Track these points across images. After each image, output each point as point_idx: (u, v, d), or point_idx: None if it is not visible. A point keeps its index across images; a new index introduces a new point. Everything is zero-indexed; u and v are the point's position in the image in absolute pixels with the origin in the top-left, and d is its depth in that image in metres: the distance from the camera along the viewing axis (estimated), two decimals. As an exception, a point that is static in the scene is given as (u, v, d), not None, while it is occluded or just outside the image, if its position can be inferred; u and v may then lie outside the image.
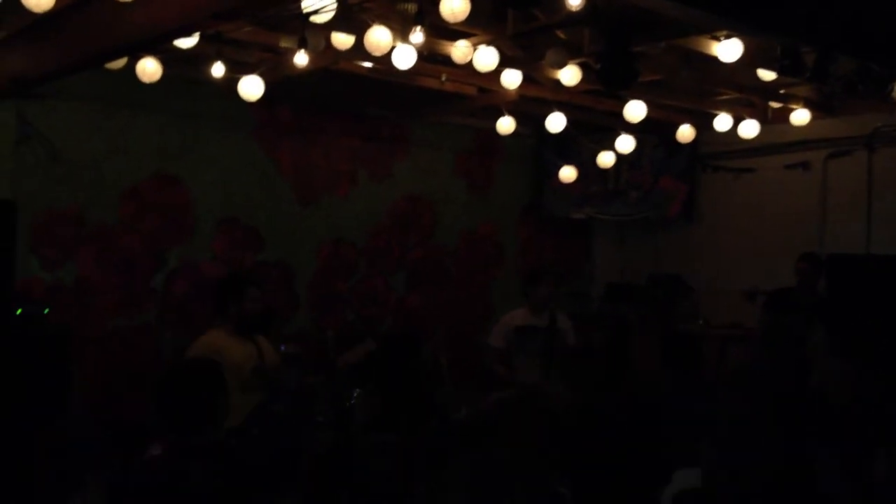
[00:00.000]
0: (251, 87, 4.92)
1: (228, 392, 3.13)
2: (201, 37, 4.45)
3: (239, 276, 5.62)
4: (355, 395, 4.93)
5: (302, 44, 4.12)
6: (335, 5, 3.80)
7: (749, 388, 2.86)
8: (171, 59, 4.89)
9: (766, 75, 5.42)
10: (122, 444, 4.61)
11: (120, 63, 4.93)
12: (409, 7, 4.27)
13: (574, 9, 3.22)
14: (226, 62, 4.83)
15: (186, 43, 4.41)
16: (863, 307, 5.91)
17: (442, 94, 6.13)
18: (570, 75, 5.22)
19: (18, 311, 4.26)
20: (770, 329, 5.76)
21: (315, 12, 3.84)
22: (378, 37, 4.30)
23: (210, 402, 3.04)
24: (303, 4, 3.78)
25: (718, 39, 4.72)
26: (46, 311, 4.55)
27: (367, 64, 5.25)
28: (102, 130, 5.87)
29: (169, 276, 6.18)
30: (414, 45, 4.19)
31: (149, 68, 4.84)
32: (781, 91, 6.19)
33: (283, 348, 5.11)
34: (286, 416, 4.28)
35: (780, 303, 5.90)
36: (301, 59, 4.34)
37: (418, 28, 3.85)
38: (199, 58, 4.92)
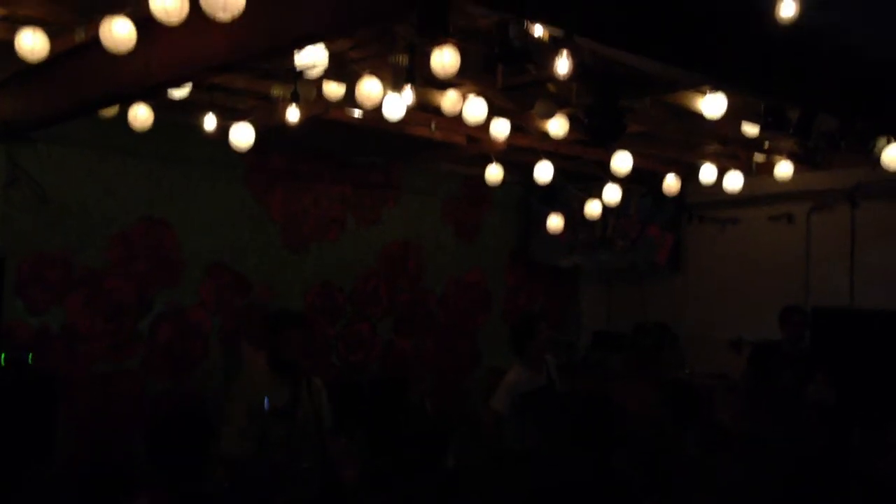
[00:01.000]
0: (242, 135, 4.96)
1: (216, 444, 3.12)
2: (194, 85, 4.50)
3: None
4: (342, 442, 4.88)
5: (294, 98, 4.17)
6: (327, 62, 3.85)
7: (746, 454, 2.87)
8: (162, 105, 4.93)
9: (751, 129, 5.51)
10: (107, 489, 4.57)
11: (112, 110, 4.97)
12: (401, 59, 4.33)
13: (562, 77, 3.28)
14: (217, 109, 4.88)
15: (179, 93, 4.45)
16: (847, 360, 5.96)
17: (431, 141, 6.19)
18: (557, 126, 5.29)
19: (2, 357, 4.23)
20: (758, 384, 5.76)
21: (308, 68, 3.88)
22: (370, 88, 4.36)
23: (199, 454, 3.02)
24: (296, 62, 3.83)
25: (704, 94, 4.80)
26: (30, 357, 4.51)
27: (358, 113, 5.31)
28: (92, 174, 5.88)
29: (154, 321, 6.15)
30: (405, 100, 4.25)
31: (140, 115, 4.87)
32: (765, 144, 6.28)
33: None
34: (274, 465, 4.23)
35: (767, 356, 5.92)
36: (293, 114, 4.39)
37: (408, 86, 3.90)
38: (191, 104, 4.96)
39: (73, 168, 5.81)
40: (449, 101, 4.83)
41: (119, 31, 3.50)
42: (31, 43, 3.76)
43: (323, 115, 5.25)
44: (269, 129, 5.26)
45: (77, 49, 4.15)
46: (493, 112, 5.09)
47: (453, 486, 3.76)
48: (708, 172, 6.50)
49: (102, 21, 3.49)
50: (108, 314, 5.90)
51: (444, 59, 3.91)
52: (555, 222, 7.34)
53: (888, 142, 5.13)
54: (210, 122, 4.82)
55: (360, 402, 6.63)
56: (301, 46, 3.68)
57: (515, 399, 5.27)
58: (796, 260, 7.22)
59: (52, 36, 3.86)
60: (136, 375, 6.02)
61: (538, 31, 3.60)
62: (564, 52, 3.21)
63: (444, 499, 3.59)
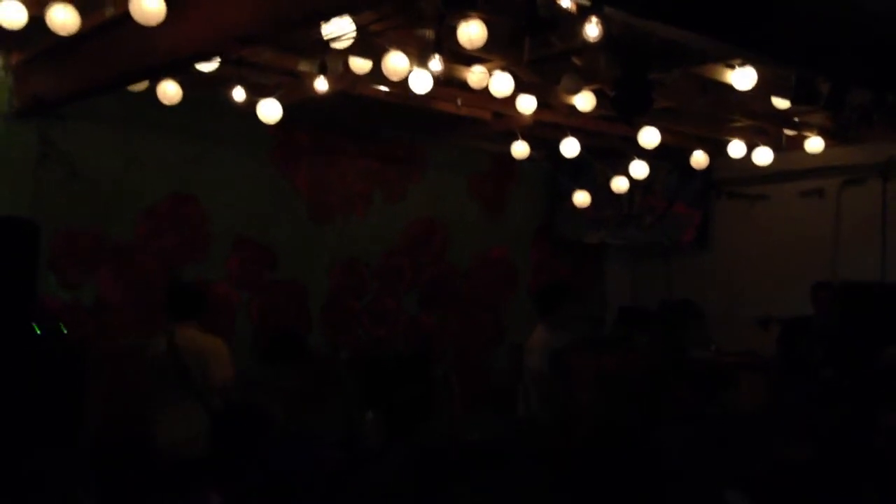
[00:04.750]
0: (270, 110, 4.98)
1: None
2: (222, 61, 4.52)
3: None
4: (367, 416, 4.93)
5: (322, 70, 4.17)
6: (354, 32, 3.85)
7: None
8: (190, 80, 4.96)
9: (781, 103, 5.44)
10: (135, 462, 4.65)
11: (141, 86, 5.00)
12: (427, 33, 4.32)
13: (591, 40, 3.25)
14: (244, 84, 4.90)
15: (207, 67, 4.48)
16: (876, 336, 5.89)
17: (457, 117, 6.18)
18: (584, 101, 5.26)
19: (38, 330, 4.30)
20: (790, 359, 5.72)
21: (335, 39, 3.88)
22: (396, 62, 4.36)
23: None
24: (323, 32, 3.83)
25: (733, 67, 4.75)
26: (63, 329, 4.58)
27: (384, 88, 5.31)
28: (121, 150, 5.93)
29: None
30: (432, 72, 4.24)
31: (169, 91, 4.92)
32: (796, 119, 6.21)
33: None
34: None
35: (798, 333, 5.87)
36: (321, 84, 4.40)
37: (436, 56, 3.89)
38: (219, 80, 4.98)
39: (102, 143, 5.86)
40: (475, 75, 4.82)
41: (149, 5, 3.53)
42: (63, 17, 3.80)
43: (349, 90, 5.26)
44: (296, 105, 5.28)
45: (107, 24, 4.19)
46: (520, 87, 5.07)
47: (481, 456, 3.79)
48: (737, 148, 6.45)
49: (132, -6, 3.51)
50: (137, 288, 5.98)
51: (471, 32, 3.90)
52: (581, 198, 7.32)
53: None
54: (238, 94, 4.84)
55: (384, 376, 6.68)
56: (328, 17, 3.68)
57: (552, 357, 5.27)
58: (826, 236, 7.14)
59: (83, 11, 3.90)
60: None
61: (566, 1, 3.58)
62: (593, 19, 3.18)
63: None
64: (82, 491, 4.28)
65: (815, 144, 6.34)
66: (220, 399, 4.75)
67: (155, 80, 4.87)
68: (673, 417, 4.15)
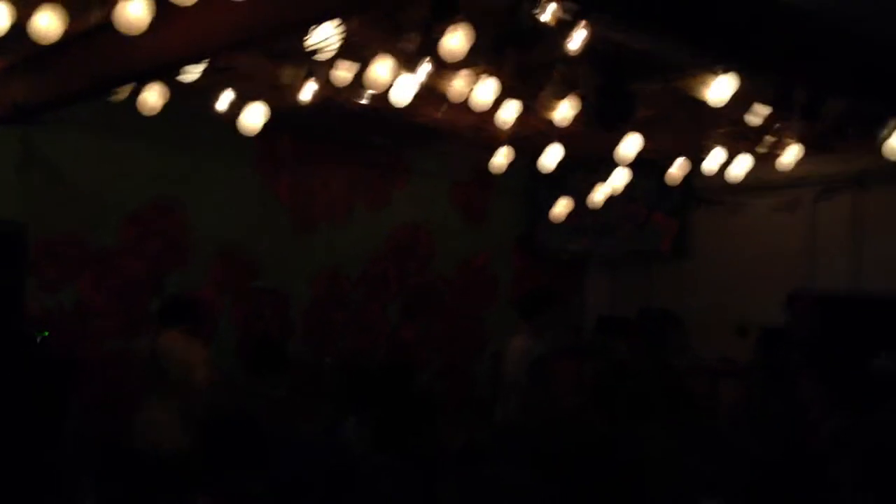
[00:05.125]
0: (253, 118, 5.01)
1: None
2: (205, 68, 4.54)
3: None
4: (352, 423, 4.94)
5: (308, 77, 4.20)
6: (339, 42, 3.89)
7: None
8: (173, 88, 4.96)
9: (759, 114, 5.53)
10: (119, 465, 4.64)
11: (123, 93, 5.00)
12: (410, 43, 4.36)
13: (573, 52, 3.31)
14: (228, 93, 4.92)
15: (190, 77, 4.49)
16: (853, 346, 5.98)
17: (440, 125, 6.22)
18: (565, 110, 5.32)
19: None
20: (767, 367, 5.78)
21: (319, 48, 3.92)
22: (379, 71, 4.40)
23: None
24: (308, 41, 3.87)
25: (713, 78, 4.81)
26: (46, 334, 4.58)
27: (367, 97, 5.33)
28: (105, 156, 5.94)
29: (165, 300, 6.21)
30: (419, 78, 4.27)
31: (150, 98, 4.91)
32: (773, 129, 6.29)
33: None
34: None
35: (774, 341, 5.94)
36: (305, 92, 4.43)
37: (424, 63, 3.93)
38: (202, 88, 5.00)
39: (86, 150, 5.87)
40: (458, 84, 4.87)
41: (133, 12, 3.54)
42: (46, 24, 3.80)
43: (333, 98, 5.29)
44: (279, 113, 5.30)
45: (91, 30, 4.19)
46: (502, 96, 5.12)
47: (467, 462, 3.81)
48: (715, 158, 6.52)
49: (117, 2, 3.53)
50: (119, 293, 5.97)
51: (455, 41, 3.94)
52: (561, 207, 7.37)
53: (892, 132, 5.14)
54: (223, 101, 4.86)
55: (369, 383, 6.69)
56: (313, 25, 3.72)
57: (532, 364, 5.25)
58: (802, 245, 7.25)
59: (66, 18, 3.90)
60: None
61: (547, 14, 3.63)
62: (576, 28, 3.24)
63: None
64: (80, 493, 4.28)
65: (791, 155, 6.43)
66: (200, 402, 4.80)
67: (138, 86, 4.87)
68: (652, 424, 4.20)
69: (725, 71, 4.62)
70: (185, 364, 4.95)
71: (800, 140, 6.20)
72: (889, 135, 5.12)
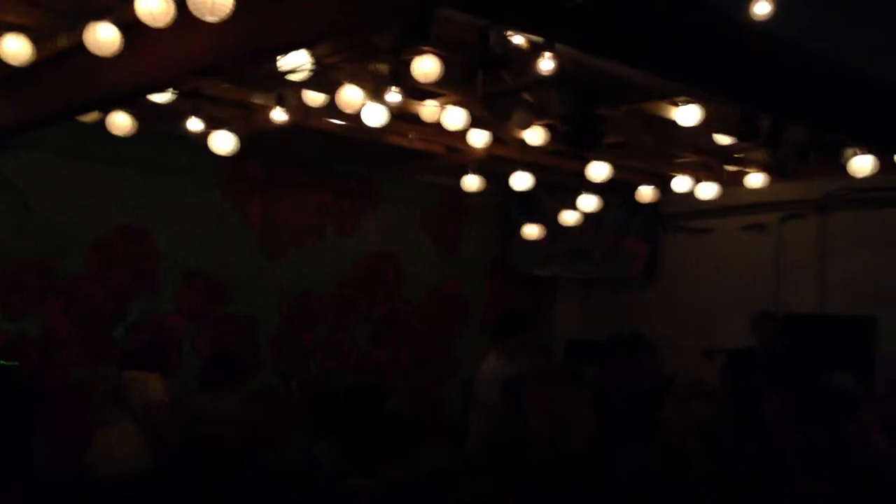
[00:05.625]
0: (223, 142, 5.00)
1: None
2: (176, 92, 4.53)
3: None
4: (322, 448, 4.90)
5: (279, 101, 4.22)
6: (310, 66, 3.91)
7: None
8: (142, 113, 4.95)
9: (723, 139, 5.63)
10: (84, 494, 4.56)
11: (92, 117, 4.98)
12: (381, 67, 4.39)
13: (545, 74, 3.36)
14: (198, 117, 4.90)
15: (162, 98, 4.48)
16: (819, 365, 6.06)
17: (410, 151, 6.25)
18: (535, 136, 5.38)
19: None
20: (734, 387, 5.85)
21: (290, 72, 3.94)
22: (350, 95, 4.42)
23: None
24: (279, 64, 3.88)
25: (677, 105, 4.91)
26: (15, 364, 4.52)
27: (338, 121, 5.36)
28: (72, 182, 5.88)
29: (130, 329, 6.14)
30: (390, 104, 4.31)
31: (119, 122, 4.89)
32: (738, 155, 6.41)
33: None
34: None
35: (741, 363, 6.01)
36: (278, 115, 4.44)
37: (394, 88, 3.96)
38: (172, 112, 4.98)
39: (53, 175, 5.81)
40: (428, 110, 4.91)
41: (104, 36, 3.54)
42: (16, 48, 3.79)
43: (303, 123, 5.30)
44: (249, 137, 5.30)
45: (61, 54, 4.17)
46: (472, 122, 5.17)
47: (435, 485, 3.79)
48: (682, 183, 6.61)
49: (87, 26, 3.52)
50: (85, 321, 5.89)
51: (425, 67, 3.98)
52: (531, 231, 7.42)
53: (854, 153, 5.27)
54: (193, 125, 4.85)
55: (337, 407, 6.65)
56: (286, 51, 3.74)
57: (505, 386, 5.21)
58: (768, 269, 7.36)
59: (36, 41, 3.89)
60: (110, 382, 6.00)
61: (518, 39, 3.69)
62: (546, 55, 3.29)
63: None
64: None
65: (755, 180, 6.54)
66: (155, 423, 4.87)
67: (108, 110, 4.85)
68: (624, 446, 4.22)
69: (688, 100, 4.72)
70: (141, 383, 5.00)
71: (762, 167, 6.32)
72: (852, 155, 5.25)
